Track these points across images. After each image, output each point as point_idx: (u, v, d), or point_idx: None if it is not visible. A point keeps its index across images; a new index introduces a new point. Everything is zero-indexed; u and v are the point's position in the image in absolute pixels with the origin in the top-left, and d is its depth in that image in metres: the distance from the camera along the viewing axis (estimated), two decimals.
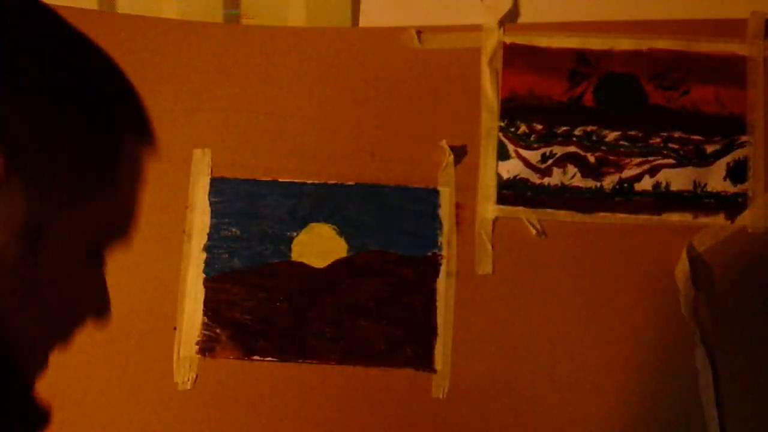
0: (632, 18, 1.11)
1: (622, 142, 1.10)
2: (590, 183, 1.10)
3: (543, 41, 1.11)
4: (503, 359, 1.08)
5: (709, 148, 1.09)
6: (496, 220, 1.10)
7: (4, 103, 0.46)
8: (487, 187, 1.10)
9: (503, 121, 1.11)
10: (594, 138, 1.10)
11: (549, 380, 1.07)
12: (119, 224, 0.54)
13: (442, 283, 1.09)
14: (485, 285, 1.09)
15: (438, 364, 1.08)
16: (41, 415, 0.51)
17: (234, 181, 1.12)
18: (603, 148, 1.10)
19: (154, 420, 1.09)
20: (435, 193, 1.11)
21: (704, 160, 1.09)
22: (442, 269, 1.09)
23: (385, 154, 1.11)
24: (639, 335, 1.08)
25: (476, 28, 1.12)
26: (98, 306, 0.56)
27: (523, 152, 1.10)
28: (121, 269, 1.16)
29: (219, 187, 1.12)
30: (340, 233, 1.11)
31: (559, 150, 1.10)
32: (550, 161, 1.10)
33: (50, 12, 0.51)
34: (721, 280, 1.08)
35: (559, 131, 1.10)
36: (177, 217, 1.12)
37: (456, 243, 1.10)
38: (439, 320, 1.09)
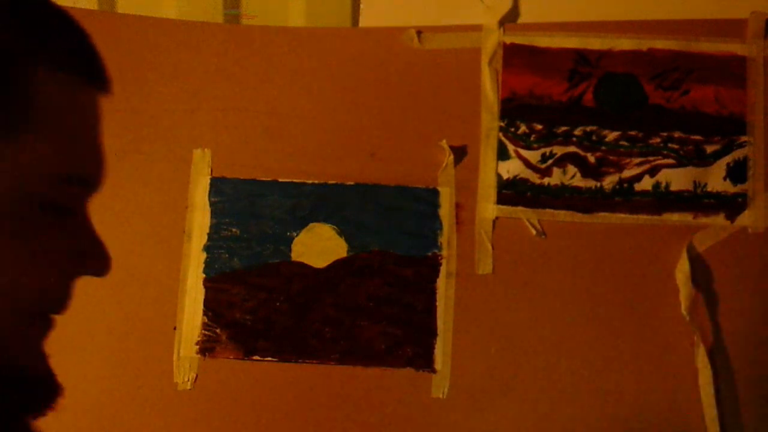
0: (632, 18, 1.11)
1: (622, 142, 1.10)
2: (590, 183, 1.10)
3: (543, 41, 1.11)
4: (503, 359, 1.08)
5: (709, 148, 1.09)
6: (496, 220, 1.10)
7: None
8: (487, 187, 1.10)
9: (503, 121, 1.11)
10: (594, 138, 1.10)
11: (549, 380, 1.07)
12: (68, 167, 0.49)
13: (442, 283, 1.09)
14: (485, 285, 1.09)
15: (438, 364, 1.08)
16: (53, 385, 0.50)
17: (234, 181, 1.12)
18: (603, 148, 1.10)
19: (154, 420, 1.09)
20: (435, 193, 1.11)
21: (704, 160, 1.09)
22: (442, 269, 1.09)
23: (385, 154, 1.11)
24: (639, 335, 1.08)
25: (476, 28, 1.12)
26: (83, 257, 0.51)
27: (523, 152, 1.10)
28: (121, 269, 1.16)
29: (219, 187, 1.12)
30: (340, 233, 1.11)
31: (559, 150, 1.10)
32: (550, 161, 1.10)
33: None
34: (721, 280, 1.08)
35: (559, 131, 1.10)
36: (177, 217, 1.12)
37: (456, 243, 1.10)
38: (439, 320, 1.09)
